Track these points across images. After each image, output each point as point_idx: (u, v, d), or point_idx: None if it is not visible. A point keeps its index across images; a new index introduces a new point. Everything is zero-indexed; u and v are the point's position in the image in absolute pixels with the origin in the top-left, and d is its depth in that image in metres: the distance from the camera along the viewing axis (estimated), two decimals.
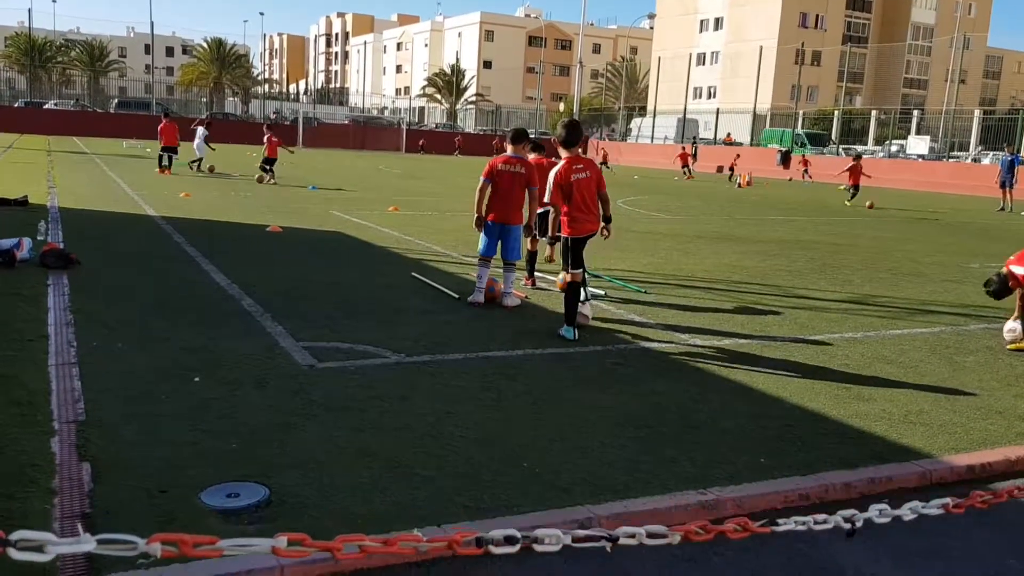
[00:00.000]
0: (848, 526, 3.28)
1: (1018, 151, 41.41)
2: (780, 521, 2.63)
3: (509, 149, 8.03)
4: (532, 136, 8.67)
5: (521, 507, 3.68)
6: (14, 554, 1.46)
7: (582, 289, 7.12)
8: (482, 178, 7.99)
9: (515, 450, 4.38)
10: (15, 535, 1.48)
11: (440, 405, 5.03)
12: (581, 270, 7.02)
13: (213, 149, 25.42)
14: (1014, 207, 25.65)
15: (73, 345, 5.84)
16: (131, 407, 4.70)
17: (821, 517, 2.71)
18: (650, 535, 2.12)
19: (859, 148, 52.36)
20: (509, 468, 4.15)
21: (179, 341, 6.14)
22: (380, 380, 5.47)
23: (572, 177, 6.84)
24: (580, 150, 7.11)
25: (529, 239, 8.66)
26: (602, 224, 7.15)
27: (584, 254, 7.07)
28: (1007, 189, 26.01)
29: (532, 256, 9.08)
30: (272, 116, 32.35)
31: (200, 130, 25.37)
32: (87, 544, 1.53)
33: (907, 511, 3.10)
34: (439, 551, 3.24)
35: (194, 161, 24.76)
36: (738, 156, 40.24)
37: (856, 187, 25.66)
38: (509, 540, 2.02)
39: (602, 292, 8.74)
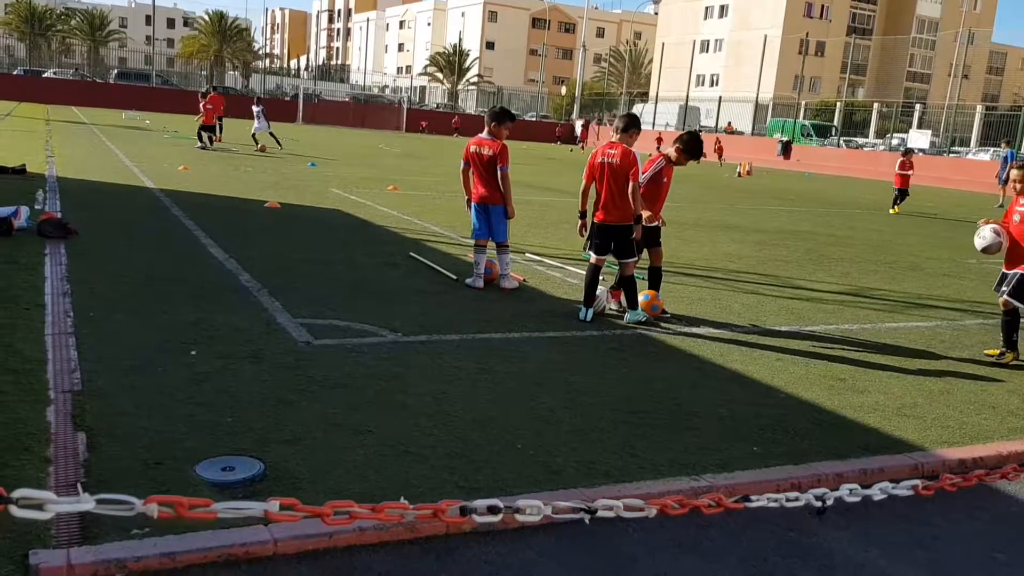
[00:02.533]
0: (819, 504, 3.30)
1: (1017, 148, 41.43)
2: (753, 497, 2.65)
3: (485, 131, 7.99)
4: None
5: (515, 488, 3.70)
6: (15, 511, 1.47)
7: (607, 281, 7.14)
8: (461, 161, 8.07)
9: (510, 431, 4.40)
10: (16, 493, 1.49)
11: (436, 385, 5.04)
12: (605, 256, 7.12)
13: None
14: (1005, 202, 25.55)
15: (70, 315, 5.83)
16: (127, 378, 4.71)
17: (793, 495, 2.73)
18: (627, 508, 2.14)
19: (860, 140, 52.35)
20: (504, 449, 4.16)
21: (176, 314, 6.13)
22: (376, 358, 5.47)
23: (599, 159, 6.99)
24: (630, 139, 7.03)
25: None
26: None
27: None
28: (1006, 185, 25.95)
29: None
30: (212, 87, 32.23)
31: (257, 109, 25.10)
32: (86, 503, 1.54)
33: (877, 491, 3.13)
34: (431, 529, 3.29)
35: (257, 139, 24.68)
36: (719, 141, 40.16)
37: (903, 191, 20.50)
38: (492, 510, 2.05)
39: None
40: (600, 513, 2.05)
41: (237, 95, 51.60)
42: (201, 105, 23.97)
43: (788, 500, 2.40)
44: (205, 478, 3.55)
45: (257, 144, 24.57)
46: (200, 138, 23.53)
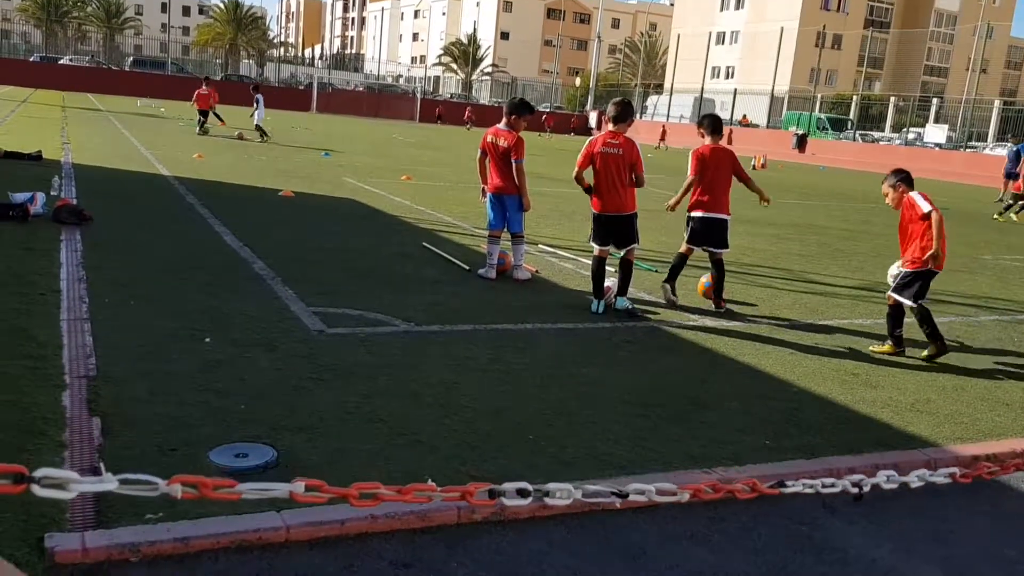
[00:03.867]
0: (856, 490, 3.29)
1: None
2: (789, 483, 2.63)
3: (503, 122, 7.98)
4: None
5: (526, 479, 3.69)
6: (38, 491, 1.48)
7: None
8: (478, 150, 8.11)
9: (521, 423, 4.40)
10: (39, 472, 1.50)
11: (448, 375, 5.05)
12: (607, 247, 7.13)
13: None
14: (1004, 197, 24.90)
15: (85, 301, 5.87)
16: (142, 364, 4.74)
17: (829, 481, 2.72)
18: (660, 492, 2.14)
19: (876, 135, 51.99)
20: (515, 440, 4.17)
21: (190, 301, 6.16)
22: (389, 348, 5.49)
23: (598, 148, 6.95)
24: (626, 128, 7.05)
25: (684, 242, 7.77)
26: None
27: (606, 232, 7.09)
28: (1012, 180, 25.21)
29: (683, 259, 7.69)
30: (205, 76, 33.55)
31: (260, 97, 24.94)
32: (109, 483, 1.55)
33: (914, 478, 3.12)
34: (443, 518, 3.30)
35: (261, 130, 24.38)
36: (664, 130, 40.54)
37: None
38: (521, 493, 2.05)
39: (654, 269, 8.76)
40: (632, 497, 2.05)
41: (252, 83, 51.52)
42: (196, 93, 24.56)
43: (824, 487, 2.39)
44: (219, 464, 3.58)
45: (264, 134, 24.12)
46: (200, 125, 24.09)
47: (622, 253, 7.14)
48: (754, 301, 8.02)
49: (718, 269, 7.50)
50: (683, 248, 7.65)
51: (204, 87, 24.84)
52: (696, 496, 2.15)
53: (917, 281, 6.31)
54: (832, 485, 2.45)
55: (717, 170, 7.38)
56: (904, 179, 6.50)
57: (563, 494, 2.01)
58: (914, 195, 6.38)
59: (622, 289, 7.12)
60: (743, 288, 8.57)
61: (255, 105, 24.82)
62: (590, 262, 7.28)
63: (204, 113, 24.37)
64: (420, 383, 4.87)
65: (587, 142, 7.16)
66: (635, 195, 7.09)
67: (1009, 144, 27.23)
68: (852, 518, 3.72)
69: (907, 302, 6.34)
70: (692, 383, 5.35)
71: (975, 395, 5.61)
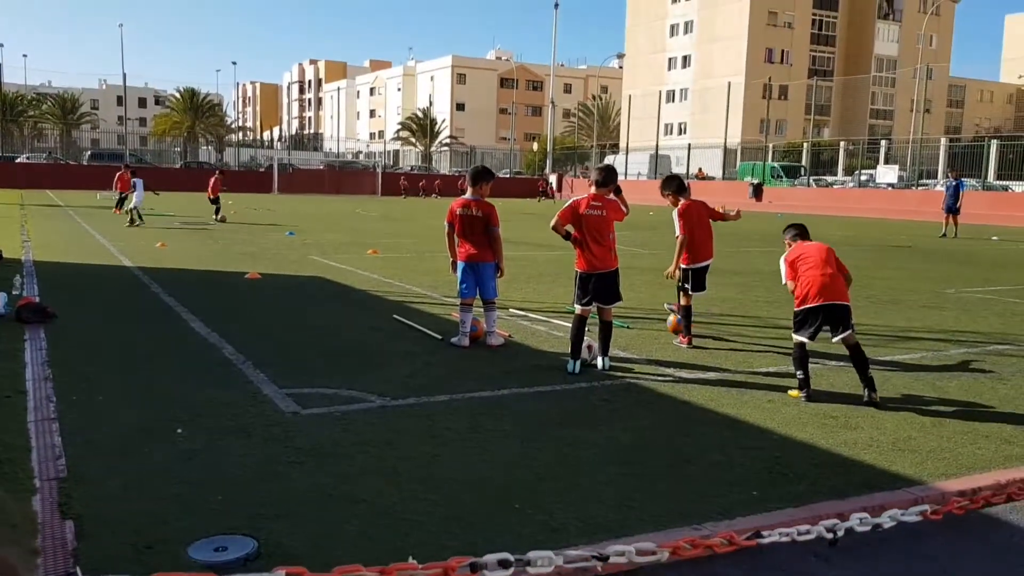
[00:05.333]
0: (830, 535, 3.26)
1: (984, 177, 42.15)
2: (765, 533, 2.61)
3: (468, 192, 8.05)
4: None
5: (514, 549, 3.62)
6: None
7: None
8: (446, 223, 8.12)
9: (506, 491, 4.34)
10: None
11: (427, 448, 4.98)
12: (590, 306, 7.25)
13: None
14: (958, 232, 25.37)
15: (52, 400, 5.74)
16: (113, 461, 4.62)
17: (804, 528, 2.71)
18: (639, 552, 2.10)
19: (829, 179, 53.14)
20: (500, 510, 4.10)
21: (161, 393, 6.05)
22: (366, 425, 5.41)
23: (583, 211, 7.14)
24: (609, 191, 7.35)
25: (683, 294, 8.35)
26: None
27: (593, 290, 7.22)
28: (952, 215, 25.63)
29: (686, 312, 8.33)
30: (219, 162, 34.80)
31: (139, 181, 23.65)
32: None
33: (887, 519, 3.10)
34: None
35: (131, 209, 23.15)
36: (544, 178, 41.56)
37: None
38: (503, 564, 2.00)
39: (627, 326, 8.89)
40: (612, 559, 2.01)
41: (210, 168, 51.65)
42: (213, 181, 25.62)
43: (800, 534, 2.37)
44: (198, 560, 3.47)
45: (136, 220, 22.61)
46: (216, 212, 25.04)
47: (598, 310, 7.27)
48: (727, 350, 8.05)
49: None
50: (685, 301, 8.33)
51: (217, 174, 25.94)
52: (676, 554, 2.12)
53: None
54: (807, 532, 2.44)
55: (700, 221, 8.14)
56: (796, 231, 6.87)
57: (544, 562, 1.97)
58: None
59: (604, 349, 7.13)
60: (715, 337, 8.60)
61: (132, 188, 23.40)
62: (561, 323, 7.31)
63: (216, 200, 25.12)
64: (399, 459, 4.80)
65: (570, 201, 7.32)
66: (616, 253, 7.32)
67: (948, 179, 27.71)
68: (847, 563, 3.68)
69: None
70: (674, 438, 5.32)
71: (955, 430, 5.63)
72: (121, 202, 25.89)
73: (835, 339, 6.31)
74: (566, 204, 7.33)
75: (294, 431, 5.24)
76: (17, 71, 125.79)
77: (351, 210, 35.63)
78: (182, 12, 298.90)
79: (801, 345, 6.41)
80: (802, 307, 6.35)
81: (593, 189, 7.31)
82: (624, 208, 7.51)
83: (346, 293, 11.48)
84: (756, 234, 25.90)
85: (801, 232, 6.88)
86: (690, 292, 8.30)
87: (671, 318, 8.60)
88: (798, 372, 6.39)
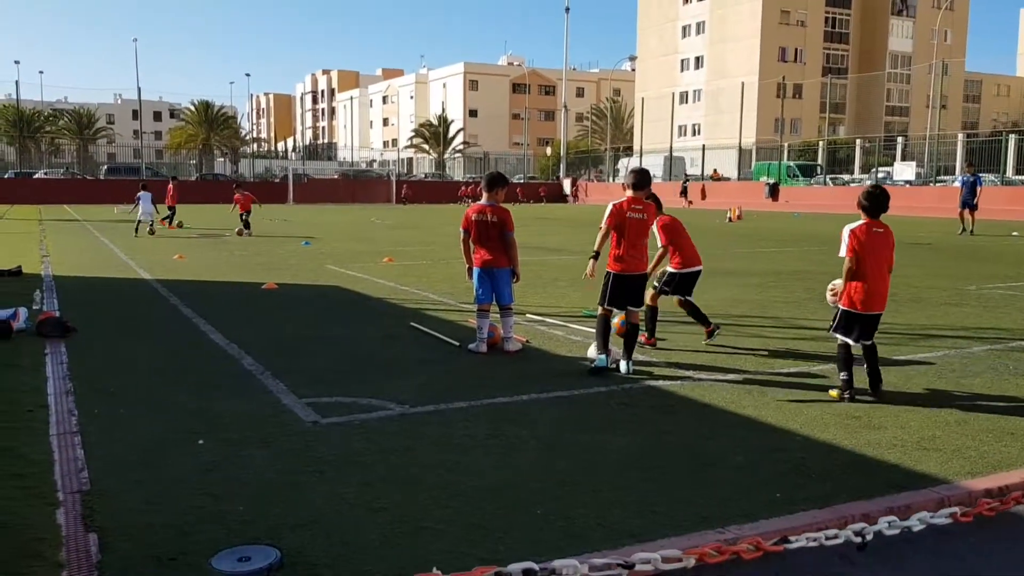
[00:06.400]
0: (859, 539, 3.22)
1: (1003, 171, 41.73)
2: (792, 539, 2.58)
3: (484, 197, 8.06)
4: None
5: (537, 556, 3.61)
6: None
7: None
8: (461, 230, 8.10)
9: (526, 497, 4.32)
10: None
11: (447, 455, 4.97)
12: (619, 308, 7.31)
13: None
14: (975, 228, 24.95)
15: (74, 414, 5.78)
16: (136, 474, 4.64)
17: (832, 532, 2.67)
18: (665, 559, 2.08)
19: (846, 177, 52.83)
20: (522, 516, 4.08)
21: (181, 404, 6.08)
22: (385, 433, 5.41)
23: (628, 215, 7.15)
24: (645, 194, 7.40)
25: (649, 294, 8.15)
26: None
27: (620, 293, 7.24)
28: (968, 211, 25.12)
29: (653, 312, 8.33)
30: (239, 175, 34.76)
31: (146, 194, 23.98)
32: None
33: (916, 522, 3.06)
34: None
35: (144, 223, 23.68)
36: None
37: None
38: (528, 573, 1.99)
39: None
40: (638, 567, 1.99)
41: (226, 180, 51.96)
42: (246, 198, 25.11)
43: (827, 539, 2.34)
44: (221, 570, 3.47)
45: (146, 230, 23.42)
46: (247, 225, 24.49)
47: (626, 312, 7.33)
48: (746, 352, 8.00)
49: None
50: (678, 300, 8.46)
51: (241, 192, 25.34)
52: (702, 560, 2.09)
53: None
54: (835, 537, 2.40)
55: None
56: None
57: (569, 570, 1.95)
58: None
59: (628, 353, 7.12)
60: (734, 339, 8.56)
61: (136, 203, 23.73)
62: (578, 327, 7.29)
63: (247, 214, 24.89)
64: (420, 466, 4.79)
65: (611, 207, 7.23)
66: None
67: (964, 174, 27.07)
68: (874, 567, 3.64)
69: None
70: (695, 441, 5.29)
71: (979, 427, 5.57)
72: (171, 217, 26.43)
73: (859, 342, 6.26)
74: (607, 209, 7.22)
75: (314, 440, 5.24)
76: (34, 88, 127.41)
77: (366, 219, 35.75)
78: (195, 26, 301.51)
79: (846, 346, 6.33)
80: (852, 310, 6.27)
81: (630, 192, 7.30)
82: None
83: (363, 301, 11.51)
84: (773, 234, 25.78)
85: (876, 205, 6.36)
86: (669, 294, 8.37)
87: (616, 320, 7.78)
88: (842, 373, 6.29)
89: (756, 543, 2.16)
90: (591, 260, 7.28)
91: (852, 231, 6.32)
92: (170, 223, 26.31)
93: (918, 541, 3.83)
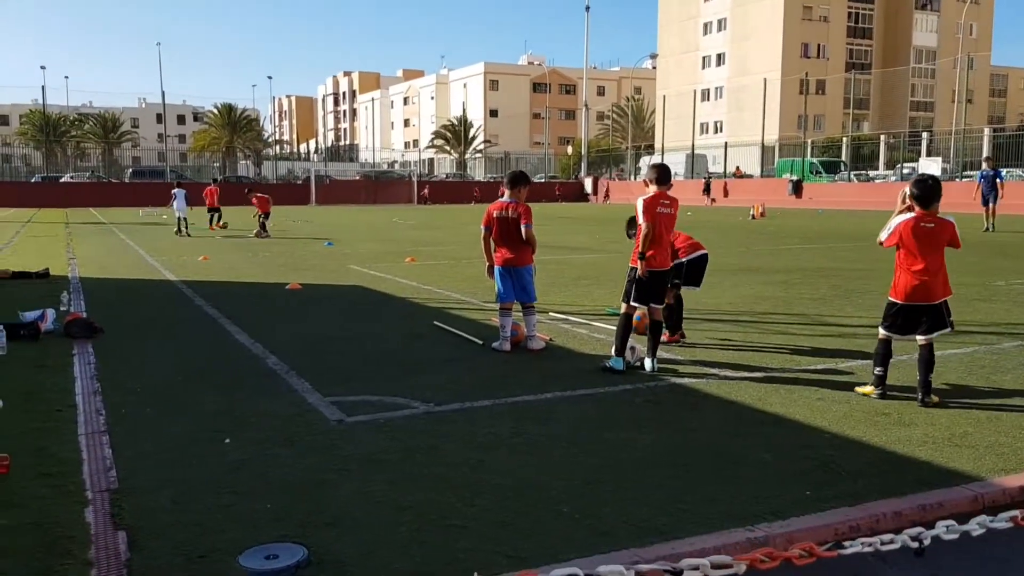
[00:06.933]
0: (916, 544, 3.15)
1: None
2: (846, 544, 2.53)
3: (506, 195, 8.04)
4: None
5: (565, 554, 3.59)
6: None
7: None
8: (482, 227, 8.09)
9: (553, 495, 4.30)
10: None
11: (473, 453, 4.96)
12: (647, 304, 7.18)
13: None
14: (995, 224, 24.27)
15: (102, 413, 5.82)
16: (163, 472, 4.66)
17: (888, 537, 2.61)
18: (715, 566, 2.04)
19: (870, 173, 52.31)
20: (548, 514, 4.06)
21: (207, 404, 6.11)
22: (411, 431, 5.41)
23: (657, 209, 7.07)
24: (667, 188, 7.25)
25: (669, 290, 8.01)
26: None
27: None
28: (990, 206, 24.41)
29: (670, 310, 8.13)
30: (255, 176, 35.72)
31: (181, 191, 25.56)
32: None
33: (975, 526, 3.00)
34: None
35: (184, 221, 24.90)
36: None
37: None
38: None
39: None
40: (686, 574, 1.95)
41: (250, 182, 52.24)
42: (263, 199, 25.15)
43: (883, 544, 2.29)
44: (249, 568, 3.48)
45: (182, 230, 24.68)
46: (263, 228, 24.57)
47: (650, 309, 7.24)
48: (772, 349, 7.93)
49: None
50: (669, 299, 8.11)
51: (255, 195, 25.35)
52: (752, 566, 2.05)
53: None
54: (891, 542, 2.35)
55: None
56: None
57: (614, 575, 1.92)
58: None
59: (653, 350, 7.06)
60: (760, 336, 8.49)
61: (173, 199, 25.44)
62: (602, 325, 7.25)
63: (266, 216, 24.98)
64: (445, 464, 4.78)
65: (643, 202, 7.05)
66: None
67: (984, 169, 26.15)
68: (906, 567, 3.58)
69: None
70: (722, 438, 5.24)
71: (1011, 424, 5.48)
72: (213, 218, 27.31)
73: (922, 339, 6.06)
74: (639, 206, 7.04)
75: (340, 439, 5.25)
76: (59, 93, 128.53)
77: (388, 219, 35.84)
78: (218, 30, 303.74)
79: (886, 341, 6.18)
80: (895, 300, 6.12)
81: (654, 188, 7.16)
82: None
83: (386, 301, 11.53)
84: (797, 231, 25.57)
85: (928, 195, 6.20)
86: (679, 287, 8.22)
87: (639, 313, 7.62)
88: (876, 368, 6.17)
89: (809, 548, 2.11)
90: (641, 263, 7.05)
91: (898, 225, 6.17)
92: (214, 223, 27.19)
93: (955, 540, 3.76)
